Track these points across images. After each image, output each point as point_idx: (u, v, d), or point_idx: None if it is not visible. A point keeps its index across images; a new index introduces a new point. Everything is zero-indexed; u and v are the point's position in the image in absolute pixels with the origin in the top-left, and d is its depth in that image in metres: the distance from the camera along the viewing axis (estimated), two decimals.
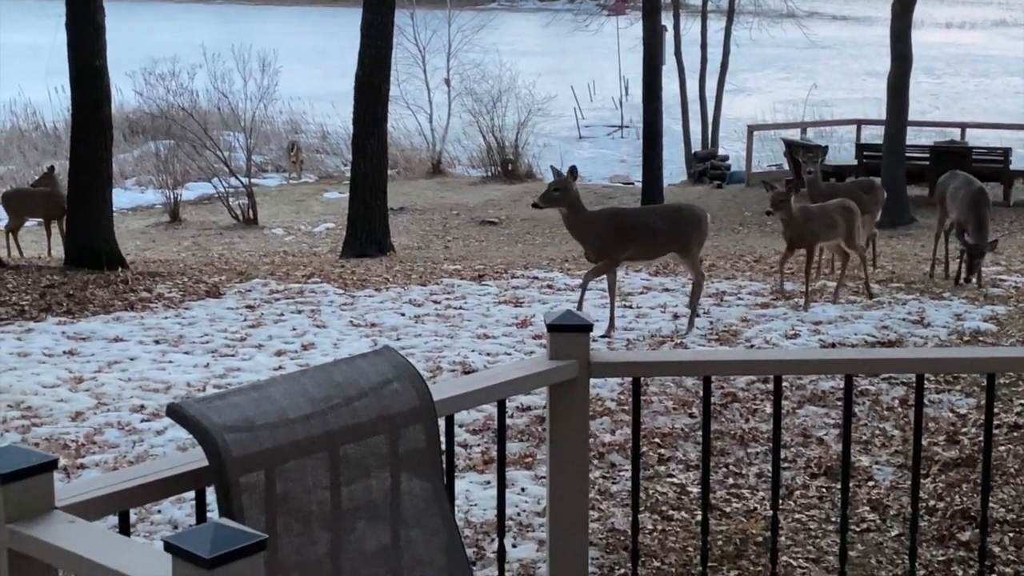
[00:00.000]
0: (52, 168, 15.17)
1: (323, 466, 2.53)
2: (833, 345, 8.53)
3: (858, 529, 5.20)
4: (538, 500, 5.48)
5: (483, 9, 41.96)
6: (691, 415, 6.81)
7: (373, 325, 9.46)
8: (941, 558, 4.91)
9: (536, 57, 43.39)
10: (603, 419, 6.75)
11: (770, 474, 5.30)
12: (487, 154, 26.23)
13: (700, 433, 4.97)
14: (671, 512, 5.41)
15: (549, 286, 11.03)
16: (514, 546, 5.04)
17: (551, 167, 9.92)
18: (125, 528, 2.50)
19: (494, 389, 3.15)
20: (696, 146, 27.57)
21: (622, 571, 4.81)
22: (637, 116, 23.83)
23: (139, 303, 10.37)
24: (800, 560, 4.93)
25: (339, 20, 36.49)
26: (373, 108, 15.03)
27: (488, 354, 8.41)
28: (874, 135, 21.74)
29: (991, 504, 4.90)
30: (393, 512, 2.66)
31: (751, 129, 23.48)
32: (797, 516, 5.37)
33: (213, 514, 2.38)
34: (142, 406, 7.25)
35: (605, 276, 9.36)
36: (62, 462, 6.02)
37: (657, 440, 6.39)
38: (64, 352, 8.62)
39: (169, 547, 1.89)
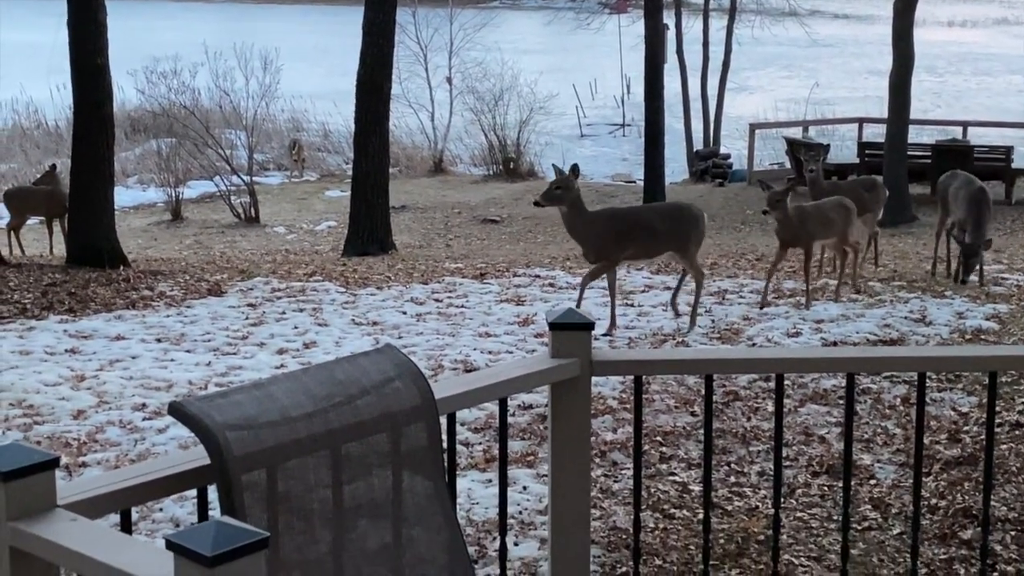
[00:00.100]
0: (54, 166, 15.17)
1: (325, 464, 2.53)
2: (835, 343, 8.52)
3: (860, 527, 5.19)
4: (540, 498, 5.48)
5: (485, 7, 42.01)
6: (693, 413, 6.81)
7: (375, 323, 9.46)
8: (943, 556, 4.91)
9: (538, 55, 43.41)
10: (605, 417, 6.74)
11: (772, 472, 5.31)
12: (489, 152, 26.24)
13: (702, 431, 4.97)
14: (673, 510, 5.41)
15: (551, 284, 11.03)
16: (516, 544, 5.03)
17: (553, 165, 9.92)
18: (127, 526, 2.51)
19: (496, 387, 3.15)
20: (698, 144, 27.58)
21: (624, 569, 4.81)
22: (639, 114, 23.83)
23: (141, 301, 10.37)
24: (802, 558, 4.93)
25: (341, 18, 36.48)
26: (375, 106, 15.03)
27: (490, 352, 8.41)
28: (876, 133, 21.73)
29: (993, 502, 4.90)
30: (395, 510, 2.66)
31: (753, 128, 23.49)
32: (799, 514, 5.37)
33: (215, 512, 2.38)
34: (144, 404, 7.25)
35: (605, 275, 9.36)
36: (64, 460, 6.02)
37: (659, 438, 6.38)
38: (66, 350, 8.62)
39: (171, 545, 1.89)
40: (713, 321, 9.33)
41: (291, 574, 2.45)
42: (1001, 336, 8.71)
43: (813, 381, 7.31)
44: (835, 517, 5.28)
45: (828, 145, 21.77)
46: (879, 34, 32.31)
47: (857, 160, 20.80)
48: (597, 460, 6.02)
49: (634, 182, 23.82)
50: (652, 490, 5.62)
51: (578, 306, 9.30)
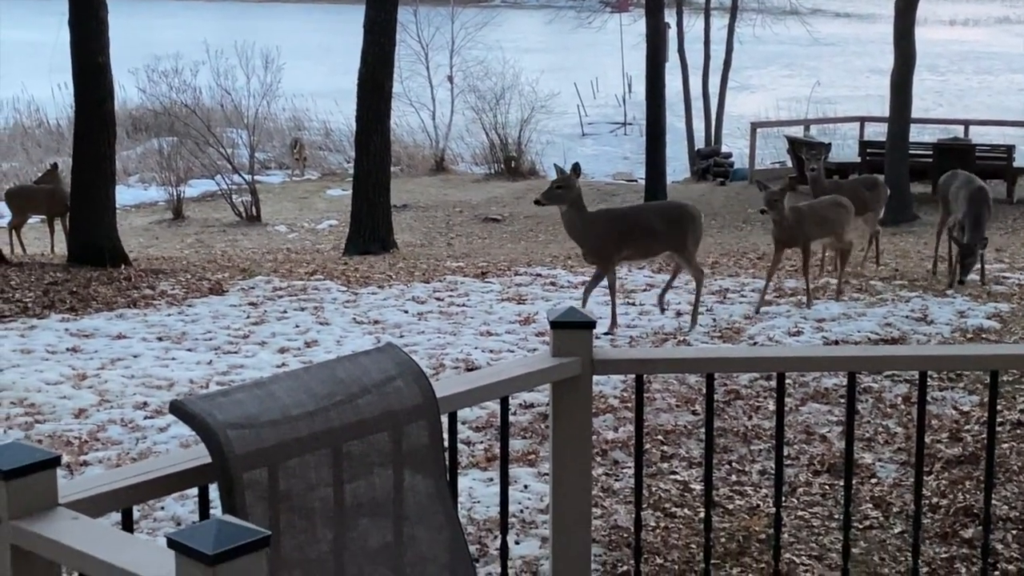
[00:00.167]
0: (55, 165, 15.17)
1: (326, 463, 2.53)
2: (836, 342, 8.52)
3: (861, 526, 5.19)
4: (541, 497, 5.48)
5: (486, 6, 42.02)
6: (694, 412, 6.81)
7: (376, 322, 9.47)
8: (944, 555, 4.91)
9: (539, 54, 43.42)
10: (606, 416, 6.74)
11: (773, 471, 5.30)
12: (490, 151, 26.23)
13: (703, 430, 4.97)
14: (674, 509, 5.41)
15: (552, 283, 11.03)
16: (517, 543, 5.03)
17: (554, 164, 9.92)
18: (128, 525, 2.51)
19: (497, 386, 3.15)
20: (699, 143, 27.58)
21: (625, 568, 4.81)
22: (640, 113, 23.86)
23: (142, 300, 10.37)
24: (803, 557, 4.93)
25: (342, 17, 36.48)
26: (376, 105, 15.03)
27: (491, 351, 8.41)
28: (877, 132, 21.73)
29: (994, 501, 4.91)
30: (396, 509, 2.66)
31: (754, 126, 23.48)
32: (800, 513, 5.37)
33: (216, 511, 2.38)
34: (145, 403, 7.26)
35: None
36: (65, 459, 6.03)
37: (660, 437, 6.38)
38: (67, 349, 8.62)
39: (172, 544, 1.89)
40: (714, 320, 9.33)
41: (292, 573, 2.45)
42: (1002, 335, 8.71)
43: (814, 380, 7.31)
44: (836, 516, 5.28)
45: (829, 144, 21.73)
46: (880, 33, 32.29)
47: (858, 159, 20.79)
48: (598, 459, 6.01)
49: (635, 181, 23.82)
50: (653, 489, 5.62)
51: (583, 306, 9.31)
